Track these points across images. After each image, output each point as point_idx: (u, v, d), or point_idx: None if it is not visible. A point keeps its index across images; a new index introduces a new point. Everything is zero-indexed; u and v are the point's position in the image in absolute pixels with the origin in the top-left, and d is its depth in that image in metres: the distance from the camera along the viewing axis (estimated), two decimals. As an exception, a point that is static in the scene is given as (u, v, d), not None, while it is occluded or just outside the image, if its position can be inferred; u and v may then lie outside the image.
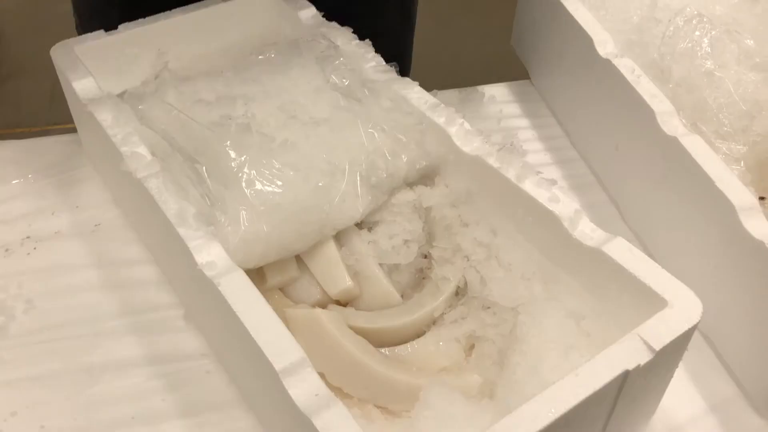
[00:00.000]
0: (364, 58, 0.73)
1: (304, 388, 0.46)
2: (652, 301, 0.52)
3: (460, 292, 0.63)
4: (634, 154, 0.75)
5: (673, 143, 0.67)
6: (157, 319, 0.66)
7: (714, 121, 0.72)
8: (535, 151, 0.87)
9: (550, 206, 0.58)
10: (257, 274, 0.61)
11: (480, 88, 0.94)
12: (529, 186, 0.60)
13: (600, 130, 0.81)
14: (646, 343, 0.49)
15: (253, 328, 0.49)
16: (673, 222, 0.69)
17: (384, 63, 0.73)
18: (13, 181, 0.78)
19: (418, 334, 0.60)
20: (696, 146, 0.65)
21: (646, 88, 0.72)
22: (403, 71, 0.74)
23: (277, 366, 0.47)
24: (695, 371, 0.64)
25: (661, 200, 0.71)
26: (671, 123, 0.69)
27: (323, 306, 0.61)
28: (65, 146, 0.82)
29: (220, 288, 0.52)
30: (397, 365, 0.56)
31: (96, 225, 0.74)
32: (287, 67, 0.70)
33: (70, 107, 0.77)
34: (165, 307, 0.67)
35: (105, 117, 0.65)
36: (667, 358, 0.51)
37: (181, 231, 0.56)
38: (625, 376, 0.48)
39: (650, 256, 0.71)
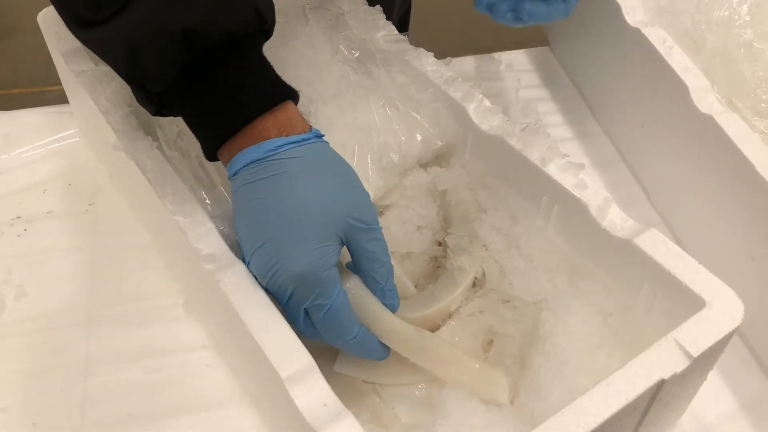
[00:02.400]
0: (375, 26, 0.68)
1: (312, 397, 0.43)
2: (689, 301, 0.48)
3: (477, 284, 0.59)
4: (664, 131, 0.70)
5: (709, 122, 0.62)
6: (155, 307, 0.62)
7: (751, 97, 0.68)
8: (555, 125, 0.82)
9: (577, 193, 0.54)
10: None
11: (497, 55, 0.88)
12: (554, 170, 0.55)
13: (626, 104, 0.76)
14: (682, 348, 0.45)
15: (257, 330, 0.45)
16: (707, 207, 0.65)
17: (396, 31, 0.68)
18: (1, 156, 0.73)
19: (433, 329, 0.56)
20: (734, 126, 0.61)
21: (679, 60, 0.67)
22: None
23: (283, 373, 0.43)
24: (727, 368, 0.60)
25: (692, 183, 0.66)
26: (706, 100, 0.64)
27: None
28: (56, 118, 0.77)
29: (220, 284, 0.48)
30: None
31: (90, 204, 0.70)
32: (292, 37, 0.65)
33: (60, 77, 0.72)
34: (164, 295, 0.63)
35: (96, 91, 0.61)
36: (703, 363, 0.48)
37: (179, 219, 0.52)
38: (660, 385, 0.44)
39: (679, 242, 0.67)
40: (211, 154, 0.50)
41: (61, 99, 0.78)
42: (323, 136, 0.50)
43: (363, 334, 0.48)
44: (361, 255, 0.48)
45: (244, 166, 0.47)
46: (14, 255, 0.65)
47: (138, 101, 0.51)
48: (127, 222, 0.69)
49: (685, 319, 0.47)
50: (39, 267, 0.65)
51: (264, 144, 0.47)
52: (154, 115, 0.50)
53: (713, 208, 0.64)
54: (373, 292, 0.49)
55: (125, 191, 0.70)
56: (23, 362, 0.58)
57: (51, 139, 0.75)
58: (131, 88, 0.50)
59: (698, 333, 0.46)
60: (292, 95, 0.49)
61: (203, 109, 0.48)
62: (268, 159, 0.46)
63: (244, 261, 0.48)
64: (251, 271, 0.48)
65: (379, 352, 0.50)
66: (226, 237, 0.52)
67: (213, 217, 0.52)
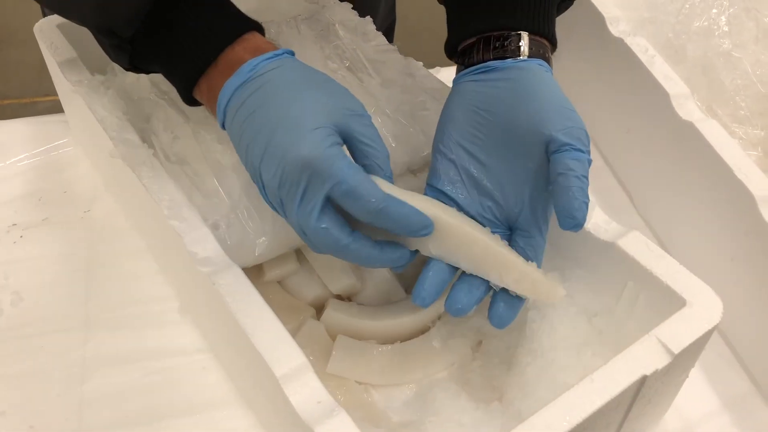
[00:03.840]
0: (365, 37, 0.70)
1: (306, 394, 0.44)
2: (670, 300, 0.50)
3: (466, 286, 0.60)
4: (647, 138, 0.72)
5: (689, 128, 0.64)
6: (150, 312, 0.63)
7: (730, 104, 0.70)
8: (542, 133, 0.84)
9: (562, 197, 0.55)
10: (255, 267, 0.58)
11: (484, 65, 0.90)
12: (539, 175, 0.57)
13: (610, 112, 0.78)
14: (664, 345, 0.47)
15: (252, 331, 0.47)
16: (688, 211, 0.67)
17: (386, 41, 0.69)
18: (-2, 165, 0.75)
19: (423, 330, 0.58)
20: (713, 132, 0.62)
21: (661, 69, 0.69)
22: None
23: (278, 372, 0.45)
24: (709, 367, 0.61)
25: (675, 188, 0.68)
26: (687, 107, 0.65)
27: (323, 300, 0.58)
28: (52, 127, 0.78)
29: (215, 287, 0.49)
30: None
31: (85, 211, 0.71)
32: (285, 45, 0.66)
33: (56, 87, 0.73)
34: (159, 300, 0.64)
35: (92, 100, 0.62)
36: (685, 360, 0.49)
37: (175, 224, 0.53)
38: (643, 381, 0.46)
39: (662, 245, 0.69)
40: (188, 94, 0.50)
41: (51, 110, 0.79)
42: (294, 54, 0.50)
43: (393, 201, 0.44)
44: (358, 141, 0.46)
45: (231, 97, 0.47)
46: (10, 261, 0.66)
47: (111, 57, 0.52)
48: (122, 228, 0.70)
49: (666, 317, 0.48)
50: (35, 273, 0.66)
51: (243, 68, 0.47)
52: (127, 68, 0.52)
53: (694, 212, 0.66)
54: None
55: (120, 198, 0.71)
56: (20, 366, 0.59)
57: (46, 147, 0.76)
58: (102, 42, 0.51)
59: (679, 330, 0.48)
60: (258, 27, 0.50)
61: (175, 47, 0.49)
62: (250, 79, 0.47)
63: (258, 186, 0.47)
64: (265, 191, 0.46)
65: (419, 220, 0.45)
66: (221, 241, 0.53)
67: (208, 221, 0.53)
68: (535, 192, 0.49)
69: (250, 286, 0.49)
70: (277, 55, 0.48)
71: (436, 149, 0.53)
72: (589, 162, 0.48)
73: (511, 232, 0.51)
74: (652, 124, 0.70)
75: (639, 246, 0.52)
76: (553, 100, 0.49)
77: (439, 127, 0.53)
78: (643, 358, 0.46)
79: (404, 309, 0.57)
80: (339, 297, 0.59)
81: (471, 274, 0.48)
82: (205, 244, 0.52)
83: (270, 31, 0.69)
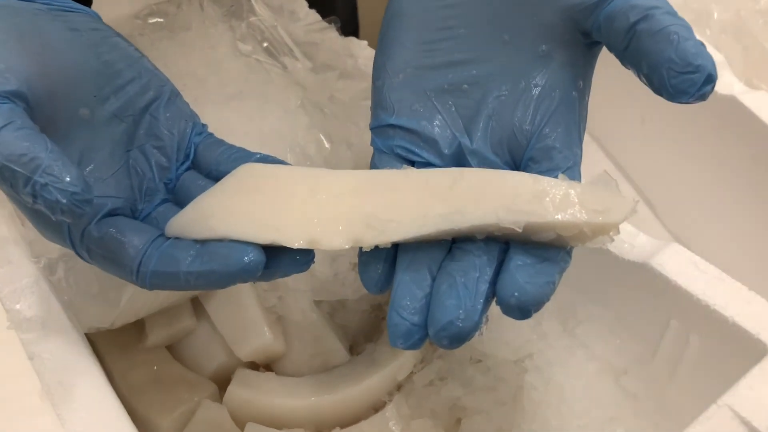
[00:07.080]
0: (293, 15, 0.55)
1: None
2: (742, 346, 0.35)
3: (436, 338, 0.44)
4: (669, 127, 0.57)
5: (729, 105, 0.50)
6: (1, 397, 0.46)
7: (776, 76, 0.55)
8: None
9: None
10: (134, 326, 0.42)
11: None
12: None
13: (618, 99, 0.63)
14: (743, 421, 0.31)
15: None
16: (735, 220, 0.52)
17: (320, 18, 0.55)
18: None
19: (376, 408, 0.42)
20: (765, 106, 0.47)
21: (681, 35, 0.54)
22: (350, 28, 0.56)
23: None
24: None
25: (711, 189, 0.54)
26: (723, 77, 0.51)
27: (230, 371, 0.42)
28: None
29: (34, 362, 0.33)
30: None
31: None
32: (183, 27, 0.53)
33: None
34: (16, 377, 0.47)
35: None
36: (775, 440, 0.32)
37: (-8, 270, 0.37)
38: (717, 485, 0.29)
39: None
40: None
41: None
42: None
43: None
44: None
45: None
46: None
47: None
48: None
49: (739, 374, 0.33)
50: None
51: None
52: None
53: (741, 219, 0.51)
54: None
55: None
56: None
57: None
58: None
59: (763, 395, 0.31)
60: None
61: None
62: None
63: None
64: None
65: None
66: (62, 291, 0.36)
67: (40, 262, 0.37)
68: (555, 91, 0.32)
69: (88, 361, 0.33)
70: None
71: (380, 72, 0.35)
72: None
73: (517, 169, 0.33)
74: (675, 108, 0.55)
75: (683, 265, 0.37)
76: None
77: (381, 40, 0.36)
78: (712, 444, 0.29)
79: (346, 378, 0.41)
80: (252, 365, 0.42)
81: (458, 259, 0.29)
82: (31, 299, 0.35)
83: (167, 12, 0.54)
